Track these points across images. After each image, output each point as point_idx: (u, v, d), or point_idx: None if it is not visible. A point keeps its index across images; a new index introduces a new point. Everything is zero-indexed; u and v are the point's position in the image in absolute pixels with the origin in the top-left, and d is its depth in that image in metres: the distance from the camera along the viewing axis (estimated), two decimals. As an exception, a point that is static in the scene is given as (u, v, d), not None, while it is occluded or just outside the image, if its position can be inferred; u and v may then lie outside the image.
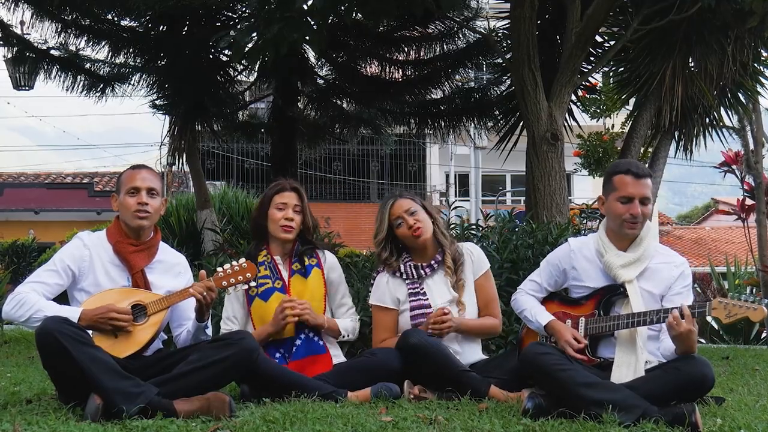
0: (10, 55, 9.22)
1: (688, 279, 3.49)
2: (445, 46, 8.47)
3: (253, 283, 3.66)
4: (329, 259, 3.93)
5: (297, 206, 3.84)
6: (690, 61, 6.93)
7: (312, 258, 3.86)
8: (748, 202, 8.75)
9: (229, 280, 3.46)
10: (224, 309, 3.85)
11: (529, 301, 3.69)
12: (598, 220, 6.43)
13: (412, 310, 3.76)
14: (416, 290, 3.79)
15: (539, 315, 3.59)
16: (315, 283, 3.81)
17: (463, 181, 21.22)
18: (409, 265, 3.82)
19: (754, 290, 9.92)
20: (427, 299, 3.77)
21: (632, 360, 3.28)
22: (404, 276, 3.82)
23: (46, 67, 7.92)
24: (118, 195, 3.55)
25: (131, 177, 3.53)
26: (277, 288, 3.77)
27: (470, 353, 3.79)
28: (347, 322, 3.84)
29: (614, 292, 3.46)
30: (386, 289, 3.83)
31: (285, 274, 3.81)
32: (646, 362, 3.32)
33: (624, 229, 3.45)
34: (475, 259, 3.88)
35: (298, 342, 3.69)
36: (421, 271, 3.81)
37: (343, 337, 3.81)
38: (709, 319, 8.43)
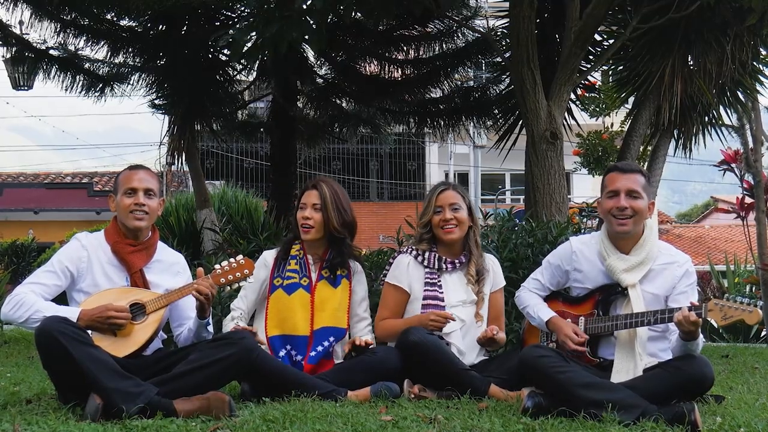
0: (9, 55, 9.21)
1: (692, 276, 3.48)
2: (444, 45, 8.48)
3: (251, 279, 3.58)
4: (358, 271, 3.89)
5: (316, 204, 3.76)
6: (689, 59, 6.93)
7: (343, 269, 3.81)
8: (748, 200, 8.74)
9: (227, 276, 3.45)
10: (239, 295, 3.84)
11: (532, 298, 3.71)
12: (597, 219, 6.44)
13: (425, 299, 3.76)
14: (433, 281, 3.80)
15: (541, 311, 3.62)
16: (342, 294, 3.78)
17: (462, 180, 21.21)
18: (434, 254, 3.83)
19: (753, 288, 9.91)
20: (442, 293, 3.78)
21: (630, 367, 3.29)
22: (426, 263, 3.82)
23: (45, 67, 7.91)
24: (116, 195, 3.53)
25: (128, 178, 3.52)
26: (303, 285, 3.73)
27: (472, 354, 3.79)
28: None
29: (613, 291, 3.46)
30: (406, 271, 3.83)
31: (314, 276, 3.77)
32: (646, 364, 3.32)
33: (613, 226, 3.44)
34: (496, 273, 3.95)
35: (320, 348, 3.64)
36: (443, 264, 3.82)
37: None
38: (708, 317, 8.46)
